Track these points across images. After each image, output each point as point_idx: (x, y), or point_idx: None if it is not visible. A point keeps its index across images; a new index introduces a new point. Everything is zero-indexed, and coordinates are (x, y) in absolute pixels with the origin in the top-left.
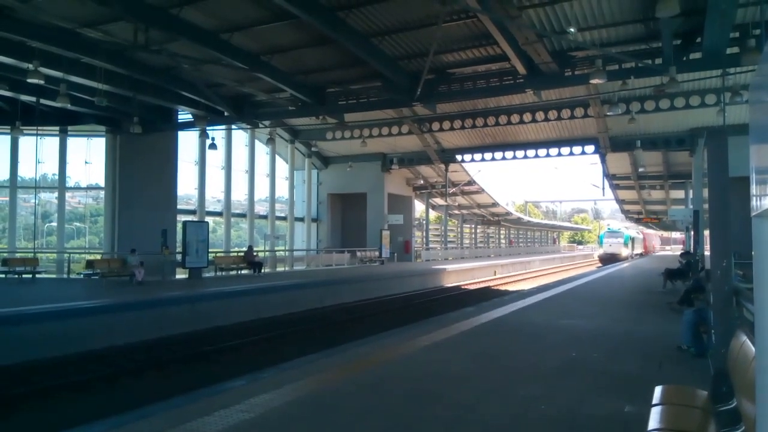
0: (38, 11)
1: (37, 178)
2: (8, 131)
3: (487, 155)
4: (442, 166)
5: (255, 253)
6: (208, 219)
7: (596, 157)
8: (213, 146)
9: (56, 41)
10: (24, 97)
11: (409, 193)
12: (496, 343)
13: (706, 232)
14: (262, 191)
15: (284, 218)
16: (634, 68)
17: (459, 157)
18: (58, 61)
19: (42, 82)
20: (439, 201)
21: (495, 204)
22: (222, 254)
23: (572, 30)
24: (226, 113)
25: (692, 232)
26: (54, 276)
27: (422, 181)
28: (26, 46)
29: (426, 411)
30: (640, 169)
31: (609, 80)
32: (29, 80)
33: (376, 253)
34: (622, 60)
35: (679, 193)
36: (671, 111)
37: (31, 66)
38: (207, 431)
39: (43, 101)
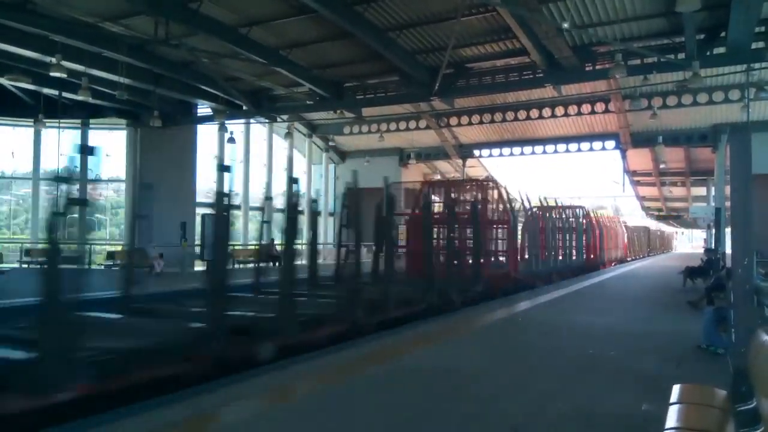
0: (61, 5)
1: (59, 171)
2: (31, 124)
3: (506, 150)
4: (460, 161)
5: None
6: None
7: (617, 153)
8: (231, 140)
9: (78, 35)
10: (47, 91)
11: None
12: (513, 339)
13: (728, 230)
14: (279, 185)
15: (301, 212)
16: (656, 63)
17: (477, 153)
18: (80, 55)
19: (64, 75)
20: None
21: (513, 200)
22: (240, 247)
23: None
24: (244, 107)
25: (713, 230)
26: (75, 266)
27: (439, 176)
28: (49, 40)
29: (445, 404)
30: (662, 166)
31: (630, 75)
32: (52, 74)
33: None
34: (644, 55)
35: (700, 190)
36: (694, 106)
37: (53, 60)
38: (225, 420)
39: (65, 94)
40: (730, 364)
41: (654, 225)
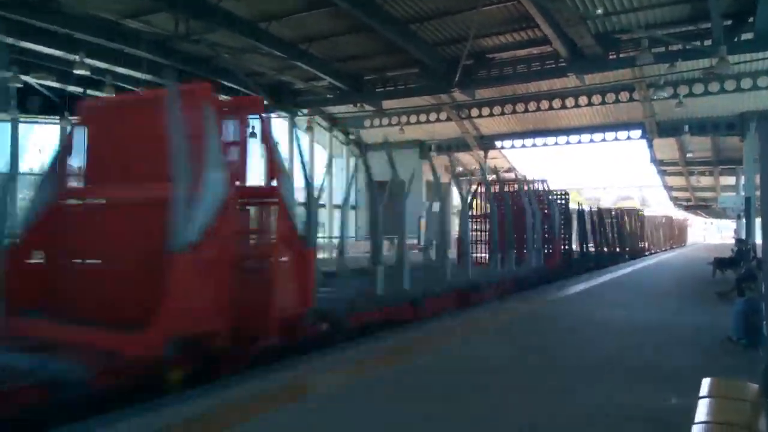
0: (83, 4)
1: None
2: (57, 122)
3: (528, 141)
4: (481, 153)
5: None
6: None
7: (643, 143)
8: (253, 135)
9: (101, 33)
10: (71, 88)
11: (447, 181)
12: (536, 334)
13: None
14: (301, 179)
15: (323, 206)
16: (681, 50)
17: (498, 144)
18: (103, 53)
19: (88, 73)
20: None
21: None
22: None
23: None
24: (265, 102)
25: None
26: None
27: (461, 168)
28: (72, 39)
29: (464, 400)
30: (688, 155)
31: (655, 63)
32: (76, 71)
33: (414, 241)
34: (669, 42)
35: (729, 180)
36: (721, 94)
37: (77, 58)
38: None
39: (89, 92)
40: (762, 356)
41: (657, 210)
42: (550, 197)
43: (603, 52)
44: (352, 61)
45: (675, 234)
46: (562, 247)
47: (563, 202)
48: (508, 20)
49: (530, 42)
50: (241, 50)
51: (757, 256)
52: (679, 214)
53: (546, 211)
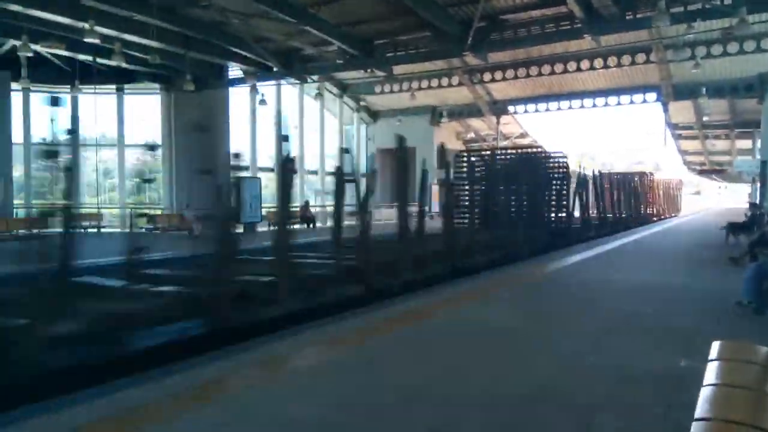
0: None
1: (98, 137)
2: (68, 91)
3: (542, 106)
4: (494, 118)
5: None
6: (261, 175)
7: (658, 106)
8: (263, 102)
9: None
10: (81, 57)
11: (460, 147)
12: (546, 299)
13: None
14: (312, 147)
15: (334, 173)
16: (700, 10)
17: (511, 109)
18: (113, 19)
19: (98, 41)
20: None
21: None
22: (275, 209)
23: None
24: (275, 68)
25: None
26: (118, 230)
27: (472, 134)
28: (81, 5)
29: (474, 363)
30: (705, 118)
31: (673, 24)
32: (86, 40)
33: (426, 208)
34: (687, 1)
35: (746, 143)
36: (739, 56)
37: (86, 25)
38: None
39: (99, 60)
40: None
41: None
42: None
43: (619, 13)
44: (362, 25)
45: (659, 200)
46: None
47: None
48: None
49: (544, 2)
50: (251, 15)
51: None
52: (671, 174)
53: None
